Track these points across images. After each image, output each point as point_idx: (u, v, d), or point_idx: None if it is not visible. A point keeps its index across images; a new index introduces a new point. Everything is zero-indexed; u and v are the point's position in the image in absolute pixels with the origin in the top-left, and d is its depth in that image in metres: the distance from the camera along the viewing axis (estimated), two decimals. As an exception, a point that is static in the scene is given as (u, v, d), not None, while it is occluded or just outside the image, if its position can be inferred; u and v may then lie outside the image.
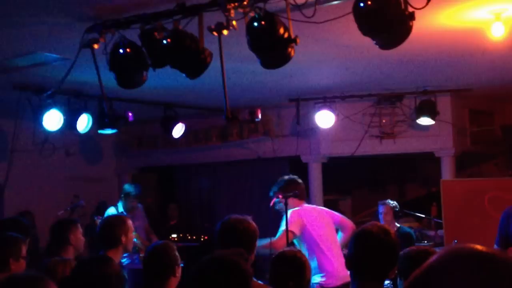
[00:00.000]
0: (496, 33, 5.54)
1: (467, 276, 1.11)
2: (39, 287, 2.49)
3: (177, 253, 4.47)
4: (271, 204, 6.47)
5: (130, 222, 5.27)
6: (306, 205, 6.65)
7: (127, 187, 8.44)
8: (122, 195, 8.38)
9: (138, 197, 8.40)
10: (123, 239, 5.05)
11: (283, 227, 6.26)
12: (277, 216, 6.78)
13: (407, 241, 6.97)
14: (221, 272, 3.02)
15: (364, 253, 3.24)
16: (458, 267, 1.13)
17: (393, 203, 7.84)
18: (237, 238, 4.32)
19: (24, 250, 4.46)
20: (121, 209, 8.27)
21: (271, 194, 6.45)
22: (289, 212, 6.36)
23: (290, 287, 4.01)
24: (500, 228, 5.27)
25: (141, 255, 7.85)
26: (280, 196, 6.36)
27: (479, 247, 1.16)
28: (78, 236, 5.58)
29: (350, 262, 3.29)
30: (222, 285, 2.99)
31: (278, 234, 6.31)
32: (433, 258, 1.19)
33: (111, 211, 8.24)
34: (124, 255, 7.85)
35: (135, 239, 7.69)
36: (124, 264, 7.85)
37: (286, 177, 6.60)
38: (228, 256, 3.14)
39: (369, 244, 3.24)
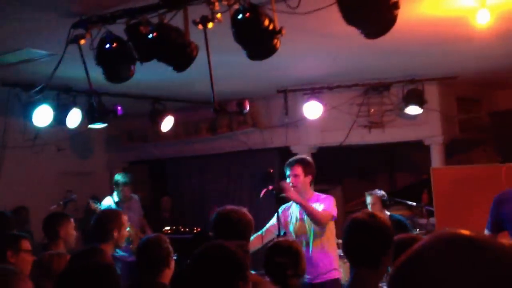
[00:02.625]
0: (482, 21, 5.55)
1: (452, 260, 1.12)
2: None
3: (170, 245, 4.50)
4: (299, 183, 6.30)
5: (125, 218, 5.29)
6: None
7: (116, 176, 8.50)
8: (114, 185, 8.44)
9: (128, 185, 8.42)
10: (115, 234, 5.08)
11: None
12: (268, 206, 6.77)
13: (400, 229, 7.02)
14: (216, 260, 3.08)
15: (353, 240, 3.32)
16: (444, 251, 1.14)
17: (380, 192, 7.89)
18: (232, 229, 4.35)
19: (25, 245, 4.48)
20: (116, 199, 8.31)
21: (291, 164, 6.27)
22: (327, 196, 6.33)
23: (289, 276, 4.05)
24: (492, 213, 5.30)
25: (131, 246, 7.87)
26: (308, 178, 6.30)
27: (465, 231, 1.17)
28: (69, 231, 5.58)
29: (344, 251, 3.38)
30: (217, 273, 3.05)
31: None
32: (419, 243, 1.19)
33: (107, 201, 8.28)
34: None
35: (128, 229, 7.75)
36: (118, 256, 7.87)
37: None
38: (224, 245, 3.19)
39: (357, 231, 3.31)
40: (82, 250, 4.48)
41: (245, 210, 4.60)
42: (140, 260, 4.43)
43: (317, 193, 6.37)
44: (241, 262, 3.12)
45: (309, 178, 6.26)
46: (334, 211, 6.11)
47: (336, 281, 6.15)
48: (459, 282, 1.10)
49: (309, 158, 6.49)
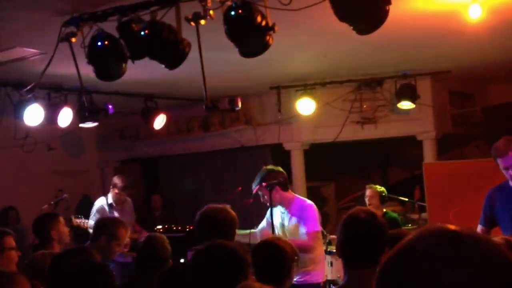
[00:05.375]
0: (473, 15, 5.56)
1: (438, 254, 1.13)
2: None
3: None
4: (254, 192, 6.32)
5: (122, 232, 5.19)
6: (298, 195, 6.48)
7: (116, 179, 8.39)
8: (111, 187, 8.34)
9: (126, 189, 8.35)
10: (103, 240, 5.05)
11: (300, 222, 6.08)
12: (261, 205, 6.72)
13: (393, 227, 7.01)
14: (219, 257, 3.06)
15: (352, 239, 3.23)
16: (430, 246, 1.15)
17: (380, 188, 7.89)
18: (216, 227, 4.32)
19: (8, 242, 4.44)
20: (110, 200, 8.24)
21: (254, 186, 6.13)
22: (309, 206, 6.21)
23: (273, 276, 4.00)
24: (485, 208, 5.30)
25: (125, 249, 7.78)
26: (264, 184, 6.23)
27: (452, 226, 1.17)
28: (61, 230, 5.51)
29: (341, 250, 3.29)
30: (220, 270, 3.03)
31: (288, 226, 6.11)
32: (407, 238, 1.20)
33: (101, 201, 8.21)
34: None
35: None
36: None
37: (269, 167, 6.32)
38: (227, 244, 3.18)
39: (357, 230, 3.23)
40: (66, 250, 4.42)
41: (228, 208, 4.57)
42: (141, 259, 4.38)
43: (298, 198, 6.24)
44: (243, 260, 3.11)
45: (277, 189, 6.01)
46: (317, 226, 5.98)
47: (316, 285, 6.08)
48: (444, 277, 1.10)
49: (269, 168, 6.21)
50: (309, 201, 6.24)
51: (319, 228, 6.07)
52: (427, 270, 1.12)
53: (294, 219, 6.03)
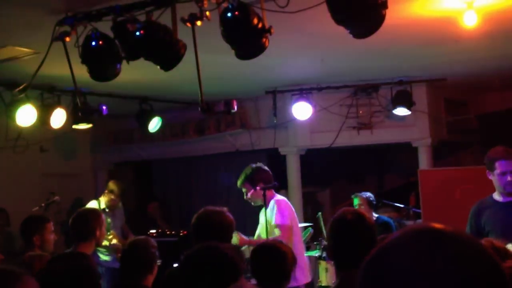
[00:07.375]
0: (469, 22, 5.54)
1: (415, 249, 1.14)
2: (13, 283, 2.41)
3: (156, 251, 4.42)
4: (249, 196, 6.43)
5: (103, 216, 5.21)
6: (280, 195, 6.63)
7: (112, 185, 8.29)
8: (106, 191, 8.24)
9: (120, 196, 8.28)
10: (97, 232, 4.99)
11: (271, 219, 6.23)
12: (255, 208, 6.73)
13: (386, 230, 6.98)
14: (211, 262, 3.02)
15: (341, 241, 3.24)
16: (408, 241, 1.16)
17: (366, 194, 7.86)
18: (213, 231, 4.28)
19: None
20: (102, 205, 8.16)
21: (239, 185, 6.52)
22: (278, 203, 6.32)
23: (273, 280, 3.97)
24: (470, 220, 5.27)
25: (118, 255, 7.71)
26: (258, 188, 6.28)
27: (434, 224, 1.18)
28: (45, 237, 5.37)
29: (331, 253, 3.29)
30: (211, 276, 2.99)
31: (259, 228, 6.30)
32: (390, 236, 1.22)
33: (93, 204, 8.14)
34: (106, 253, 7.79)
35: (113, 240, 7.61)
36: (104, 262, 7.77)
37: (253, 165, 6.60)
38: (219, 248, 3.14)
39: (345, 231, 3.23)
40: (63, 253, 4.37)
41: (225, 210, 4.54)
42: (125, 262, 4.34)
43: (275, 196, 6.45)
44: (234, 263, 3.07)
45: (260, 186, 6.33)
46: (285, 220, 6.23)
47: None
48: (424, 271, 1.11)
49: (255, 165, 6.61)
50: (281, 197, 6.53)
51: (289, 223, 6.23)
52: (407, 264, 1.13)
53: (268, 215, 6.16)
